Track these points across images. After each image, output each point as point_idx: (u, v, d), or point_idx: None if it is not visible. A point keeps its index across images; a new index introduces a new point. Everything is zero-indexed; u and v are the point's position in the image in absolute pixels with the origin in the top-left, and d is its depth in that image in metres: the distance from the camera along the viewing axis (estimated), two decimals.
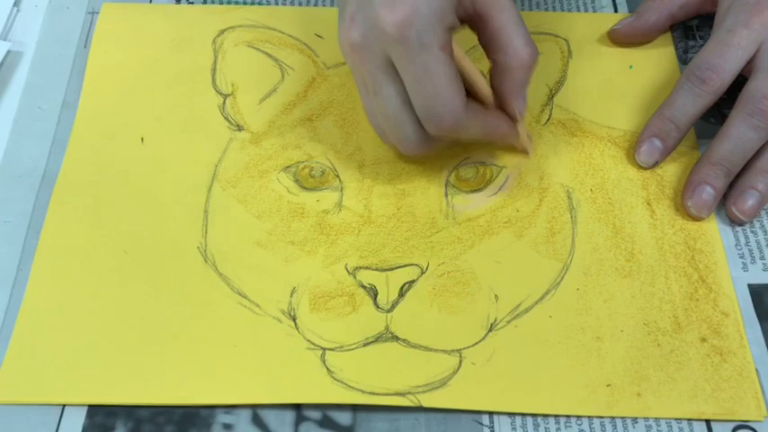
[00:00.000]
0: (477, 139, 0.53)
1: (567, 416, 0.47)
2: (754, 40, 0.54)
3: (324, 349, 0.48)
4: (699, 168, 0.54)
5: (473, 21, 0.50)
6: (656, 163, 0.55)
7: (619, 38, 0.62)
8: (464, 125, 0.49)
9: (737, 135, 0.52)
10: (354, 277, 0.50)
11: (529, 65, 0.50)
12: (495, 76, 0.51)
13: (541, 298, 0.51)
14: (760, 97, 0.52)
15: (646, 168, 0.56)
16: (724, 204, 0.54)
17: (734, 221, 0.54)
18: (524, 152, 0.56)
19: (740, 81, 0.54)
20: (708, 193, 0.53)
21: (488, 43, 0.50)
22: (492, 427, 0.47)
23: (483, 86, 0.51)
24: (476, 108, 0.50)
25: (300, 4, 0.64)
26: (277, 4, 0.64)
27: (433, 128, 0.49)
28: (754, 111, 0.52)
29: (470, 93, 0.51)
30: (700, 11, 0.61)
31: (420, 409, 0.47)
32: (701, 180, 0.53)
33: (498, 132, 0.53)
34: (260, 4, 0.64)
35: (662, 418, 0.47)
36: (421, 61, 0.46)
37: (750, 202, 0.53)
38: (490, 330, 0.49)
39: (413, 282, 0.50)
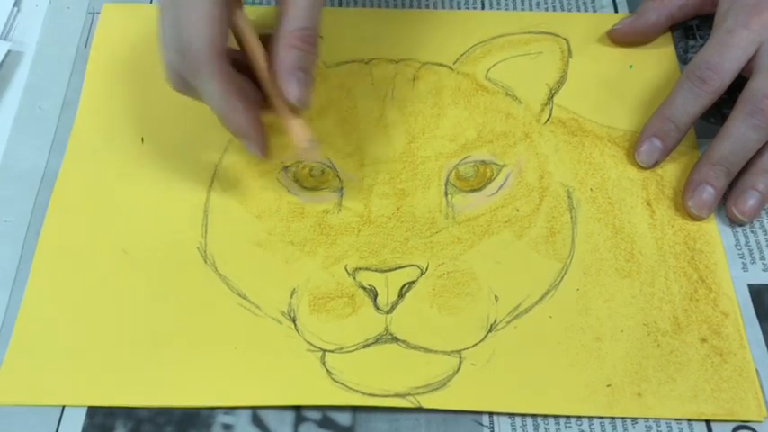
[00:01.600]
0: (221, 119, 0.48)
1: (568, 416, 0.47)
2: (753, 41, 0.54)
3: (323, 351, 0.48)
4: (699, 168, 0.54)
5: None
6: (656, 163, 0.55)
7: (619, 37, 0.62)
8: (204, 75, 0.45)
9: (738, 135, 0.52)
10: (354, 278, 0.50)
11: (296, 50, 0.47)
12: (270, 48, 0.48)
13: (541, 298, 0.51)
14: (760, 97, 0.52)
15: (646, 168, 0.56)
16: (724, 204, 0.54)
17: (734, 222, 0.54)
18: (300, 155, 0.53)
19: (740, 81, 0.54)
20: (708, 193, 0.53)
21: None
22: (492, 427, 0.47)
23: (260, 65, 0.49)
24: (229, 75, 0.47)
25: None
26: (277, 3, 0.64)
27: (177, 60, 0.46)
28: (754, 111, 0.52)
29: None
30: (699, 12, 0.61)
31: (420, 410, 0.47)
32: (702, 180, 0.53)
33: (237, 119, 0.48)
34: (260, 4, 0.64)
35: (662, 419, 0.47)
36: None
37: (750, 202, 0.53)
38: (490, 331, 0.49)
39: (412, 282, 0.50)
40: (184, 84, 0.48)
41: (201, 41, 0.45)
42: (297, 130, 0.49)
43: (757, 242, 0.53)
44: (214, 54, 0.45)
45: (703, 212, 0.53)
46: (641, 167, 0.56)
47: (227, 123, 0.48)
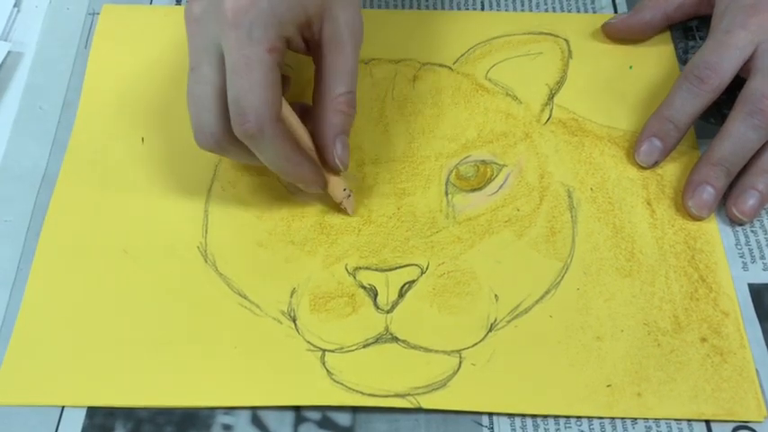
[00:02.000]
0: (282, 173, 0.50)
1: (567, 416, 0.47)
2: (751, 41, 0.54)
3: (323, 350, 0.48)
4: (699, 168, 0.54)
5: (314, 50, 0.50)
6: (656, 163, 0.55)
7: (612, 32, 0.62)
8: (267, 136, 0.46)
9: (738, 135, 0.52)
10: (354, 278, 0.50)
11: (343, 115, 0.50)
12: (313, 119, 0.51)
13: (541, 298, 0.51)
14: (759, 97, 0.52)
15: (646, 168, 0.56)
16: (724, 204, 0.54)
17: (734, 222, 0.54)
18: (344, 211, 0.53)
19: (739, 82, 0.54)
20: (708, 193, 0.53)
21: (316, 79, 0.50)
22: (492, 427, 0.47)
23: (306, 142, 0.51)
24: (288, 133, 0.48)
25: None
26: None
27: (236, 125, 0.46)
28: (753, 110, 0.52)
29: None
30: (697, 12, 0.61)
31: (420, 410, 0.47)
32: (702, 180, 0.53)
33: (300, 172, 0.50)
34: None
35: (662, 419, 0.47)
36: (245, 53, 0.45)
37: (750, 202, 0.53)
38: (490, 330, 0.49)
39: (413, 282, 0.50)
40: (219, 145, 0.49)
41: (264, 106, 0.46)
42: (337, 186, 0.52)
43: (757, 242, 0.53)
44: (276, 117, 0.47)
45: (703, 212, 0.53)
46: (641, 167, 0.56)
47: (290, 177, 0.50)
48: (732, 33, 0.54)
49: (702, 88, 0.54)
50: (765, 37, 0.54)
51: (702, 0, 0.60)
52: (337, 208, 0.53)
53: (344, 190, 0.52)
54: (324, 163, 0.51)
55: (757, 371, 0.48)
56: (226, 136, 0.48)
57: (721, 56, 0.54)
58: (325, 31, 0.49)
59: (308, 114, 0.51)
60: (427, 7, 0.64)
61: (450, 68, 0.60)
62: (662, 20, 0.61)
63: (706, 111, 0.55)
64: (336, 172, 0.52)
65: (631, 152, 0.56)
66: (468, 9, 0.64)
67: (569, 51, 0.61)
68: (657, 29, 0.62)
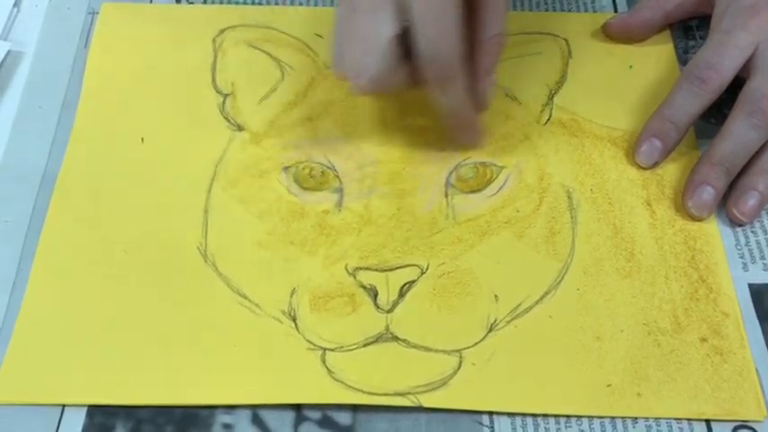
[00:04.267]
0: (455, 116, 0.53)
1: (568, 416, 0.47)
2: (751, 42, 0.54)
3: (324, 349, 0.48)
4: (699, 168, 0.54)
5: None
6: (656, 163, 0.55)
7: (612, 32, 0.62)
8: (458, 80, 0.49)
9: (738, 135, 0.53)
10: (354, 278, 0.50)
11: (497, 55, 0.52)
12: (466, 50, 0.51)
13: (541, 298, 0.51)
14: (759, 97, 0.52)
15: (645, 168, 0.56)
16: (724, 205, 0.54)
17: (734, 222, 0.54)
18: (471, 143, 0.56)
19: (740, 82, 0.54)
20: (708, 193, 0.53)
21: (469, 18, 0.50)
22: (492, 427, 0.47)
23: None
24: (464, 71, 0.50)
25: (300, 4, 0.64)
26: (277, 3, 0.64)
27: (432, 69, 0.48)
28: (754, 110, 0.52)
29: None
30: (696, 12, 0.61)
31: (420, 410, 0.47)
32: (702, 180, 0.53)
33: (470, 116, 0.53)
34: (260, 4, 0.64)
35: (662, 419, 0.47)
36: (437, 1, 0.46)
37: (751, 202, 0.53)
38: (490, 330, 0.49)
39: (413, 282, 0.50)
40: (376, 85, 0.50)
41: (457, 51, 0.48)
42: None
43: (757, 242, 0.53)
44: (462, 62, 0.49)
45: (703, 213, 0.53)
46: (641, 168, 0.56)
47: (460, 121, 0.53)
48: (733, 34, 0.54)
49: (703, 88, 0.54)
50: (765, 37, 0.54)
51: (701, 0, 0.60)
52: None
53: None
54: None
55: (757, 371, 0.48)
56: (390, 74, 0.49)
57: (722, 56, 0.54)
58: None
59: None
60: None
61: None
62: (662, 19, 0.61)
63: (706, 110, 0.55)
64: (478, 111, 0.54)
65: (631, 153, 0.56)
66: None
67: (569, 51, 0.61)
68: (657, 28, 0.62)
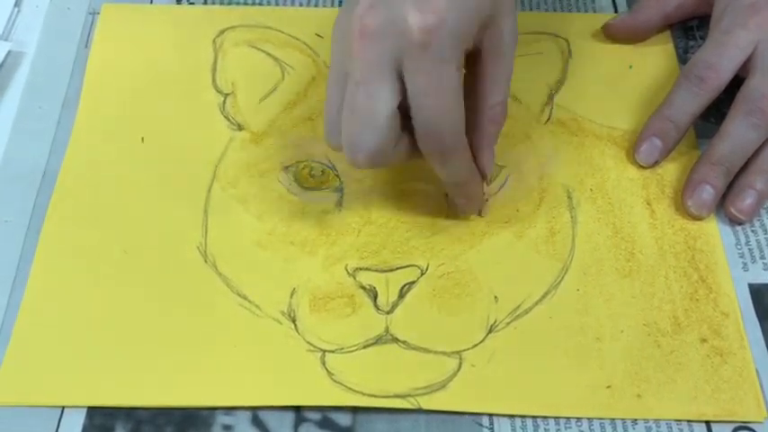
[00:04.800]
0: (458, 187, 0.51)
1: (567, 417, 0.47)
2: (750, 41, 0.54)
3: (324, 351, 0.48)
4: (699, 168, 0.54)
5: (470, 57, 0.48)
6: (656, 162, 0.55)
7: (613, 33, 0.62)
8: (459, 152, 0.47)
9: (737, 134, 0.53)
10: (354, 278, 0.50)
11: (501, 124, 0.49)
12: (468, 119, 0.49)
13: (541, 298, 0.51)
14: (758, 96, 0.52)
15: (646, 167, 0.56)
16: (723, 204, 0.54)
17: (733, 221, 0.54)
18: (476, 213, 0.54)
19: (739, 81, 0.54)
20: (708, 193, 0.53)
21: (469, 86, 0.49)
22: (492, 428, 0.47)
23: None
24: (467, 143, 0.48)
25: (301, 5, 0.64)
26: (278, 4, 0.64)
27: (429, 144, 0.46)
28: (752, 109, 0.52)
29: None
30: (696, 12, 0.61)
31: (420, 411, 0.47)
32: (701, 179, 0.53)
33: (472, 182, 0.50)
34: (260, 4, 0.64)
35: (662, 420, 0.47)
36: (437, 74, 0.43)
37: (748, 201, 0.53)
38: (490, 332, 0.49)
39: (413, 283, 0.50)
40: (373, 162, 0.46)
41: (459, 125, 0.46)
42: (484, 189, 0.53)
43: (757, 242, 0.53)
44: (464, 137, 0.47)
45: (703, 212, 0.53)
46: (641, 167, 0.56)
47: (463, 191, 0.51)
48: (732, 33, 0.54)
49: (703, 88, 0.54)
50: (764, 36, 0.54)
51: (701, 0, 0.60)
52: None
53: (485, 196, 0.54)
54: None
55: (757, 371, 0.48)
56: (390, 152, 0.46)
57: (721, 55, 0.54)
58: (488, 39, 0.47)
59: None
60: None
61: None
62: (662, 19, 0.61)
63: (706, 110, 0.55)
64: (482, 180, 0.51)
65: (631, 152, 0.56)
66: None
67: (569, 51, 0.61)
68: (657, 29, 0.62)
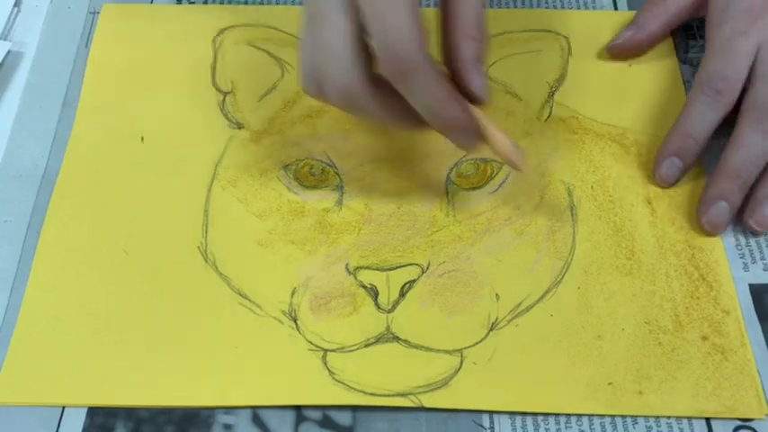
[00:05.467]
0: (436, 116, 0.46)
1: (568, 415, 0.47)
2: (753, 46, 0.53)
3: (325, 350, 0.48)
4: (715, 182, 0.53)
5: None
6: (677, 181, 0.55)
7: (618, 53, 0.61)
8: (421, 71, 0.43)
9: (749, 143, 0.52)
10: (355, 277, 0.50)
11: (474, 41, 0.47)
12: (445, 54, 0.48)
13: (542, 296, 0.51)
14: (766, 103, 0.52)
15: (666, 187, 0.55)
16: (740, 216, 0.53)
17: (751, 233, 0.53)
18: (513, 166, 0.49)
19: None
20: (723, 210, 0.52)
21: (442, 14, 0.48)
22: (492, 427, 0.47)
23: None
24: (438, 68, 0.45)
25: (301, 4, 0.64)
26: (278, 3, 0.64)
27: (387, 64, 0.43)
28: (762, 117, 0.52)
29: None
30: (694, 16, 0.60)
31: (421, 410, 0.47)
32: (718, 195, 0.52)
33: (455, 113, 0.46)
34: (260, 3, 0.64)
35: (662, 418, 0.47)
36: None
37: (767, 212, 0.52)
38: (491, 330, 0.49)
39: (413, 281, 0.50)
40: (351, 96, 0.45)
41: (417, 39, 0.43)
42: (500, 139, 0.48)
43: (758, 242, 0.53)
44: (426, 49, 0.44)
45: (718, 229, 0.52)
46: (641, 165, 0.55)
47: (444, 122, 0.46)
48: (736, 41, 0.54)
49: (720, 100, 0.53)
50: (765, 41, 0.53)
51: (699, 4, 0.59)
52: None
53: (511, 142, 0.48)
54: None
55: (758, 372, 0.48)
56: (360, 84, 0.45)
57: (734, 65, 0.53)
58: None
59: None
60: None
61: None
62: (664, 29, 0.61)
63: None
64: (481, 104, 0.48)
65: (631, 150, 0.56)
66: None
67: (569, 49, 0.61)
68: (662, 37, 0.61)
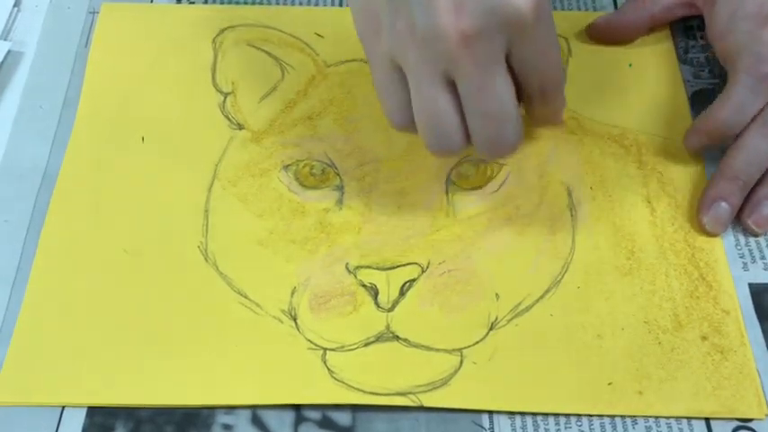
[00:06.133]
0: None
1: (568, 415, 0.47)
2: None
3: (324, 349, 0.48)
4: (715, 183, 0.53)
5: None
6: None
7: (596, 33, 0.61)
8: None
9: (752, 146, 0.52)
10: (355, 276, 0.50)
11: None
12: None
13: (542, 296, 0.51)
14: None
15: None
16: (739, 216, 0.53)
17: (750, 234, 0.53)
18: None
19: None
20: (724, 210, 0.52)
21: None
22: (492, 427, 0.47)
23: None
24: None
25: (301, 4, 0.64)
26: (278, 3, 0.64)
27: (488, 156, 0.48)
28: (766, 120, 0.52)
29: None
30: (687, 14, 0.60)
31: (420, 410, 0.47)
32: (718, 196, 0.52)
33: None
34: (260, 3, 0.64)
35: (662, 418, 0.47)
36: (549, 39, 0.46)
37: (765, 212, 0.52)
38: (491, 329, 0.49)
39: (413, 280, 0.50)
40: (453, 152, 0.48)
41: (514, 146, 0.47)
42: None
43: (757, 242, 0.53)
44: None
45: (718, 229, 0.52)
46: (641, 165, 0.56)
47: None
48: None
49: None
50: None
51: (693, 3, 0.59)
52: None
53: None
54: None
55: (758, 372, 0.48)
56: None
57: None
58: None
59: None
60: None
61: None
62: (647, 21, 0.61)
63: (698, 106, 0.56)
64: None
65: (631, 150, 0.56)
66: None
67: (569, 49, 0.61)
68: (643, 30, 0.61)
